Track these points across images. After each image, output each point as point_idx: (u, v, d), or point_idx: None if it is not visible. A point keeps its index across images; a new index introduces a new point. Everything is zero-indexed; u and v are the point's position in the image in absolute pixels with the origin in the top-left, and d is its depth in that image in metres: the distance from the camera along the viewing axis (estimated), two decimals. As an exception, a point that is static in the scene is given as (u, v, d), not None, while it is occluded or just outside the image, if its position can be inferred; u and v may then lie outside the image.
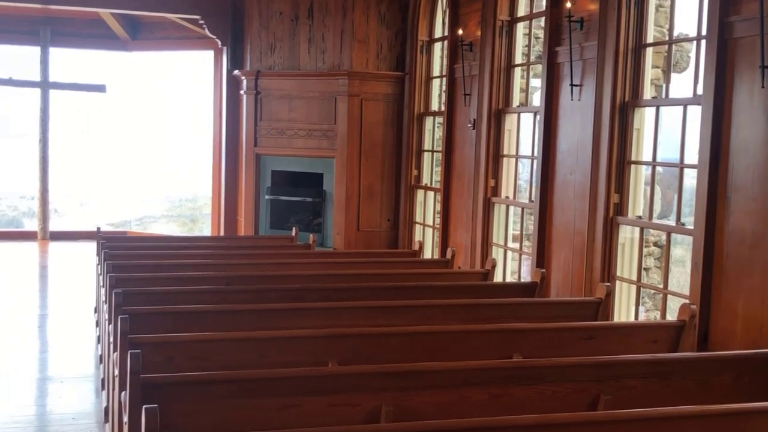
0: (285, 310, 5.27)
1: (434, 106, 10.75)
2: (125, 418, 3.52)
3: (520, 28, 8.72)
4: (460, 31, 9.26)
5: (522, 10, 8.64)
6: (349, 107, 10.85)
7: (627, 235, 6.95)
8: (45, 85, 13.87)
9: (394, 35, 11.02)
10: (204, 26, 11.94)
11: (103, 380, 6.13)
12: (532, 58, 8.66)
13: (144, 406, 2.85)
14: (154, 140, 16.69)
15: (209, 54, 13.27)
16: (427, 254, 10.28)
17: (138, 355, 3.36)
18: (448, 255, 7.54)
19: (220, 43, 12.12)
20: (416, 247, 8.45)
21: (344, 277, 6.70)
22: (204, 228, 19.08)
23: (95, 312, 8.49)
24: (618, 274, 6.94)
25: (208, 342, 4.32)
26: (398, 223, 11.13)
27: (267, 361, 4.28)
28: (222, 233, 12.55)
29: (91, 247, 12.18)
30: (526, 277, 8.50)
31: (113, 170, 23.11)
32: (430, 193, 10.73)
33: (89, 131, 24.83)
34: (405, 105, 10.99)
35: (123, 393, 3.77)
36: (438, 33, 10.63)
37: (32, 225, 18.87)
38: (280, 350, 4.37)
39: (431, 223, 10.65)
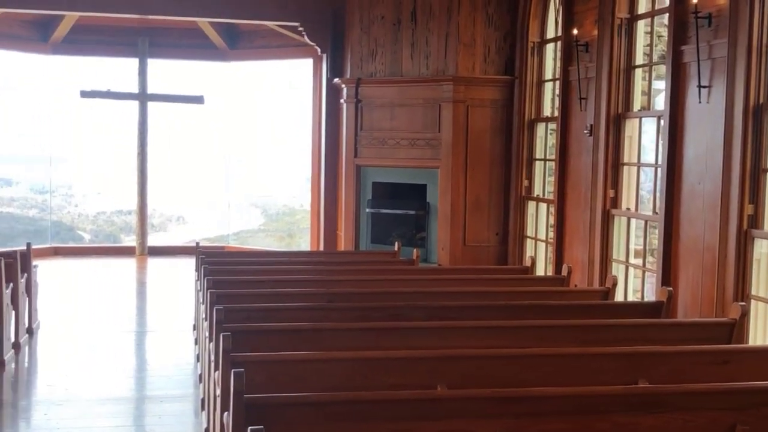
0: (389, 330, 5.30)
1: (546, 112, 10.64)
2: (228, 440, 3.61)
3: (641, 26, 8.53)
4: (575, 31, 9.14)
5: (643, 7, 8.46)
6: (454, 114, 10.85)
7: (763, 249, 6.69)
8: (143, 97, 14.43)
9: (502, 37, 10.98)
10: (303, 33, 12.20)
11: (203, 400, 6.30)
12: (655, 58, 8.46)
13: (249, 428, 2.92)
14: (251, 152, 17.13)
15: (308, 62, 13.55)
16: (540, 271, 10.15)
17: (242, 375, 3.45)
18: (564, 272, 7.42)
19: (319, 50, 12.36)
20: (528, 263, 8.36)
21: (451, 295, 6.68)
22: (302, 243, 19.42)
23: (194, 329, 8.76)
24: (753, 292, 6.67)
25: (312, 362, 4.38)
26: (507, 237, 11.04)
27: (372, 383, 4.31)
28: (321, 248, 12.74)
29: (189, 262, 12.59)
30: (650, 296, 8.27)
31: (209, 183, 23.79)
32: (543, 205, 10.60)
33: (185, 143, 25.65)
34: (514, 111, 10.91)
35: (225, 414, 3.86)
36: (550, 33, 10.52)
37: (129, 240, 19.65)
38: (387, 372, 4.39)
39: (544, 238, 10.51)
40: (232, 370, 3.52)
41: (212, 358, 5.15)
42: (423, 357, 4.58)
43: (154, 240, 15.34)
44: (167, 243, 17.52)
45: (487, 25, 10.94)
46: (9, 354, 7.80)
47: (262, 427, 2.93)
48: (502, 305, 6.19)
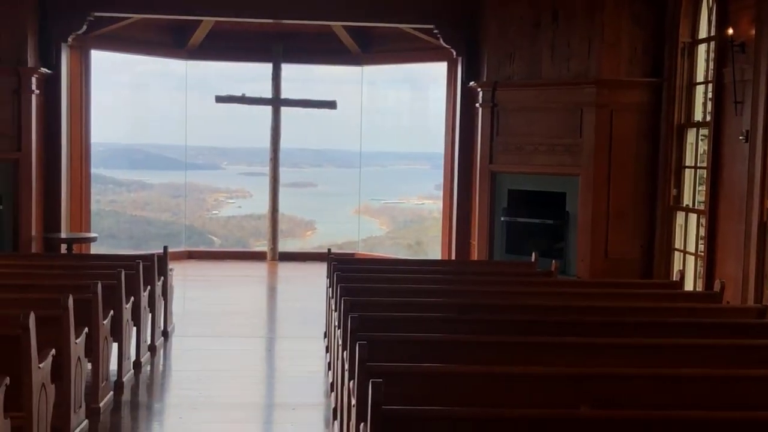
0: (525, 344, 5.27)
1: (698, 116, 10.30)
2: (365, 451, 3.68)
3: (805, 24, 8.17)
4: (730, 31, 8.82)
5: (807, 3, 8.10)
6: (597, 119, 10.66)
7: None
8: (276, 102, 14.83)
9: (649, 37, 10.71)
10: (439, 36, 12.27)
11: (334, 409, 6.44)
12: (820, 58, 8.07)
13: (391, 440, 2.97)
14: (380, 158, 17.36)
15: (442, 66, 13.61)
16: (689, 286, 9.83)
17: (380, 385, 3.52)
18: (716, 287, 7.18)
19: (455, 53, 12.40)
20: (676, 277, 8.12)
21: (591, 310, 6.58)
22: (429, 251, 19.50)
23: (325, 337, 8.95)
24: None
25: (448, 375, 4.41)
26: (653, 249, 10.74)
27: (510, 400, 4.30)
28: (453, 257, 12.76)
29: (319, 268, 12.87)
30: (811, 316, 7.88)
31: (339, 189, 24.23)
32: (692, 216, 10.27)
33: (316, 149, 26.22)
34: (662, 115, 10.61)
35: (362, 424, 3.95)
36: (702, 33, 10.19)
37: (258, 245, 20.25)
38: (526, 388, 4.38)
39: (693, 251, 10.18)
40: (370, 381, 3.59)
41: (346, 367, 5.26)
42: (564, 375, 4.54)
43: (283, 245, 15.71)
44: (296, 249, 17.97)
45: (633, 23, 10.70)
46: (145, 356, 8.19)
47: (402, 439, 2.98)
48: (648, 322, 6.06)
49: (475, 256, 12.06)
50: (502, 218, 11.64)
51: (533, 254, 9.29)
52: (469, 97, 12.31)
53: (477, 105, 11.94)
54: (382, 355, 4.76)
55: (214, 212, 27.81)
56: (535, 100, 11.20)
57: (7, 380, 4.66)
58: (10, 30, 10.85)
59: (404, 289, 7.41)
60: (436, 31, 12.26)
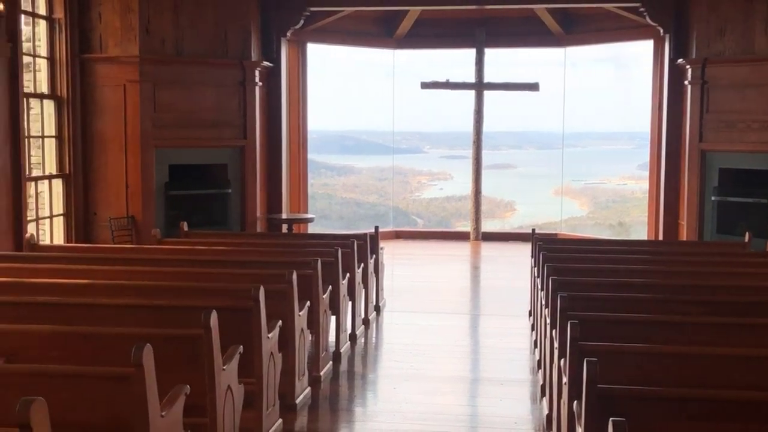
0: (741, 326, 4.97)
1: None
2: (579, 429, 3.60)
3: None
4: None
5: None
6: (819, 93, 9.86)
7: None
8: (480, 86, 14.79)
9: None
10: (644, 14, 11.75)
11: (542, 386, 6.35)
12: None
13: (611, 419, 2.88)
14: (583, 138, 16.92)
15: (647, 44, 13.05)
16: None
17: (595, 364, 3.42)
18: None
19: (662, 30, 11.83)
20: None
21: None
22: (632, 232, 18.82)
23: (530, 315, 8.86)
24: None
25: (666, 355, 4.22)
26: None
27: (726, 381, 4.05)
28: (660, 238, 12.23)
29: (521, 248, 12.76)
30: None
31: (540, 170, 23.86)
32: None
33: (518, 130, 25.98)
34: None
35: (575, 402, 3.86)
36: None
37: (460, 225, 20.33)
38: (743, 370, 4.12)
39: None
40: (586, 360, 3.49)
41: (555, 345, 5.16)
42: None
43: (483, 226, 15.67)
44: (496, 229, 17.87)
45: None
46: (360, 329, 8.43)
47: (624, 419, 2.88)
48: None
49: (683, 237, 11.51)
50: (713, 198, 11.03)
51: (746, 234, 8.73)
52: (676, 74, 11.71)
53: (685, 83, 11.35)
54: (592, 334, 4.63)
55: (417, 194, 28.22)
56: (748, 76, 10.52)
57: (241, 348, 4.93)
58: (236, 27, 11.43)
59: (611, 269, 7.17)
60: (642, 9, 11.74)
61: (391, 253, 12.16)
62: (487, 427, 5.96)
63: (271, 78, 12.42)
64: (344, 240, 8.46)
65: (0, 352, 4.43)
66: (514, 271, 11.55)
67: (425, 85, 14.85)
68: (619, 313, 5.24)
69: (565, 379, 4.41)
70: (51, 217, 10.41)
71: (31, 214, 9.79)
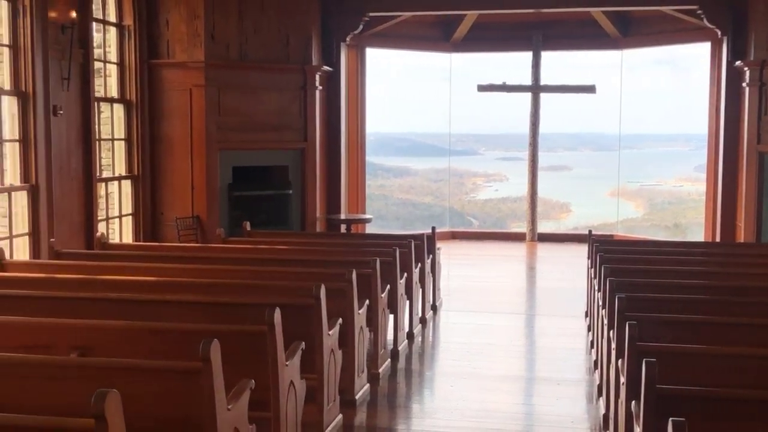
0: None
1: None
2: (637, 429, 3.55)
3: None
4: None
5: None
6: None
7: None
8: (536, 88, 14.67)
9: None
10: (702, 16, 11.54)
11: (599, 386, 6.28)
12: None
13: (671, 419, 2.84)
14: (638, 140, 16.66)
15: (704, 46, 12.82)
16: None
17: (654, 364, 3.37)
18: None
19: (719, 33, 11.60)
20: None
21: None
22: (689, 233, 18.44)
23: (586, 316, 8.76)
24: None
25: (726, 357, 4.13)
26: None
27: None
28: (717, 239, 11.99)
29: (576, 249, 12.62)
30: None
31: (595, 172, 23.56)
32: None
33: (574, 132, 25.71)
34: None
35: (633, 402, 3.81)
36: None
37: (515, 226, 20.16)
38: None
39: None
40: (645, 360, 3.44)
41: (613, 345, 5.10)
42: None
43: (540, 227, 15.52)
44: (551, 230, 17.69)
45: None
46: (417, 328, 8.43)
47: (683, 419, 2.83)
48: None
49: (741, 238, 11.26)
50: (771, 199, 10.79)
51: (806, 236, 8.51)
52: (734, 76, 11.47)
53: (743, 84, 11.12)
54: (648, 335, 4.56)
55: (472, 195, 28.09)
56: (809, 77, 10.26)
57: (303, 345, 4.97)
58: (298, 33, 11.52)
59: (668, 270, 7.05)
60: (699, 11, 11.53)
61: (447, 253, 12.13)
62: (544, 426, 5.91)
63: (331, 82, 12.50)
64: (402, 240, 8.46)
65: (74, 345, 4.53)
66: (569, 272, 11.43)
67: (482, 88, 14.77)
68: (676, 314, 5.15)
69: (622, 379, 4.35)
70: (120, 216, 10.64)
71: (101, 214, 10.01)
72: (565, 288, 10.67)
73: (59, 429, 2.95)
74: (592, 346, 7.50)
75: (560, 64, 15.88)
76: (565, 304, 9.80)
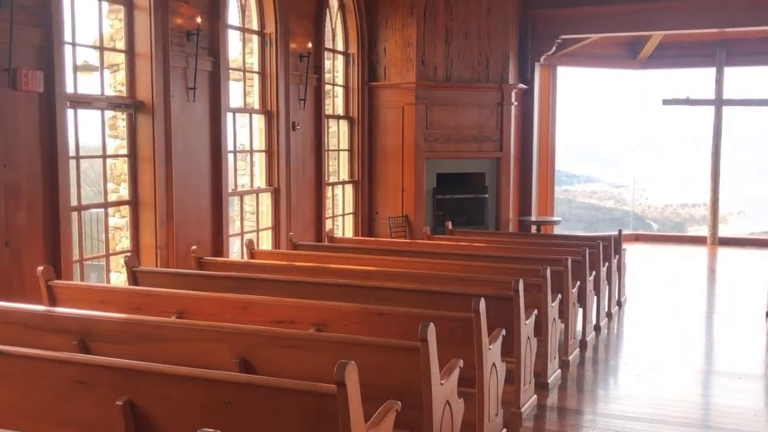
0: None
1: None
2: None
3: None
4: None
5: None
6: None
7: None
8: (719, 102, 13.81)
9: None
10: None
11: (782, 384, 5.82)
12: None
13: None
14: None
15: None
16: None
17: None
18: None
19: None
20: None
21: None
22: None
23: (766, 317, 8.13)
24: None
25: None
26: None
27: None
28: None
29: (756, 253, 11.73)
30: None
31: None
32: None
33: (758, 144, 23.86)
34: None
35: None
36: None
37: (693, 230, 18.98)
38: None
39: None
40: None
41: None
42: None
43: (720, 231, 14.55)
44: (729, 234, 16.53)
45: None
46: (603, 321, 8.17)
47: None
48: None
49: None
50: None
51: None
52: None
53: None
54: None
55: (652, 200, 26.78)
56: None
57: (503, 331, 4.97)
58: (497, 55, 11.49)
59: None
60: None
61: (631, 254, 11.65)
62: (726, 416, 5.55)
63: (525, 98, 12.36)
64: (590, 241, 8.25)
65: (312, 322, 4.79)
66: (749, 275, 10.65)
67: (667, 102, 14.08)
68: None
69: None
70: (343, 215, 11.09)
71: (328, 212, 10.48)
72: (745, 289, 9.94)
73: (308, 392, 3.12)
74: (774, 346, 6.97)
75: (744, 80, 14.80)
76: (745, 304, 9.14)
